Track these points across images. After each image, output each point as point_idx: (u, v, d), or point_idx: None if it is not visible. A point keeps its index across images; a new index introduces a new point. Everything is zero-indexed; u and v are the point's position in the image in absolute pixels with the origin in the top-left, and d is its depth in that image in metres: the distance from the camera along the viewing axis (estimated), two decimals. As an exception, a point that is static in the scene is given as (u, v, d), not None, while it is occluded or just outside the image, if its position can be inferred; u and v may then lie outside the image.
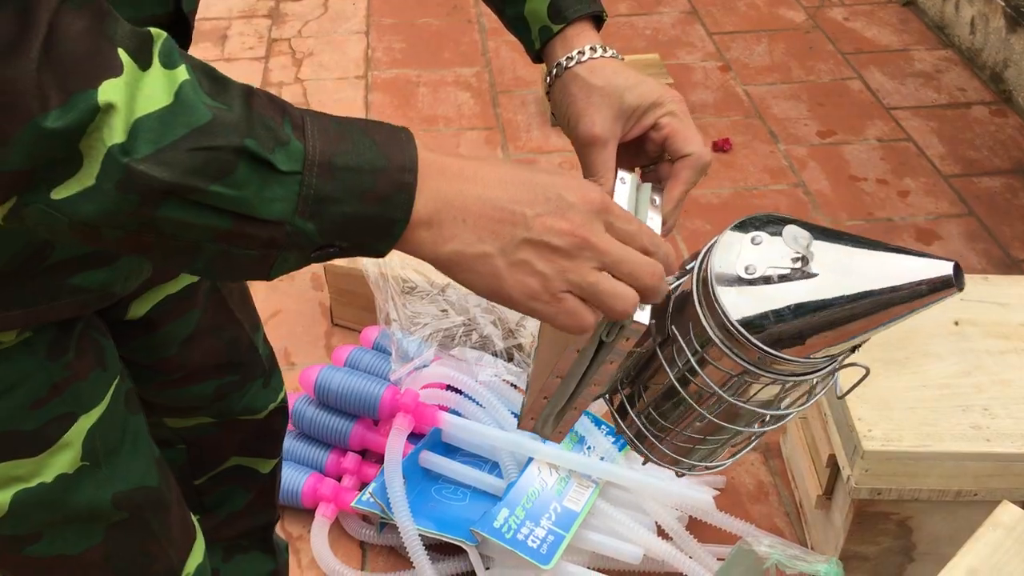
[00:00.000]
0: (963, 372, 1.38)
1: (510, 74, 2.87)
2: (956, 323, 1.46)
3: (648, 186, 0.74)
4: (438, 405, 1.61)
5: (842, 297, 0.65)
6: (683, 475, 0.85)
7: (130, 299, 0.89)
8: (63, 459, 0.76)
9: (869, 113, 2.69)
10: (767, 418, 0.74)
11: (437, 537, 1.47)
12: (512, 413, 1.60)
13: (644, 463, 0.82)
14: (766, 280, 0.66)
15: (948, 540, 1.24)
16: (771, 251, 0.67)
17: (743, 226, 0.69)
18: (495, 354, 1.71)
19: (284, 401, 1.09)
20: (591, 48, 0.76)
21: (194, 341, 0.95)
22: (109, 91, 0.49)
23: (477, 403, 1.61)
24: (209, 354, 0.97)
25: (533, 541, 1.43)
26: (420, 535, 1.44)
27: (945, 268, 0.63)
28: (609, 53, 0.76)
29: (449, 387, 1.64)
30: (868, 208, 2.35)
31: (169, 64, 0.52)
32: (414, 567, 1.44)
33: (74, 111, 0.49)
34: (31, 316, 0.73)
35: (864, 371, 0.73)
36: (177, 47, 0.54)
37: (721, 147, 2.56)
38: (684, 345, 0.70)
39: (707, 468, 0.82)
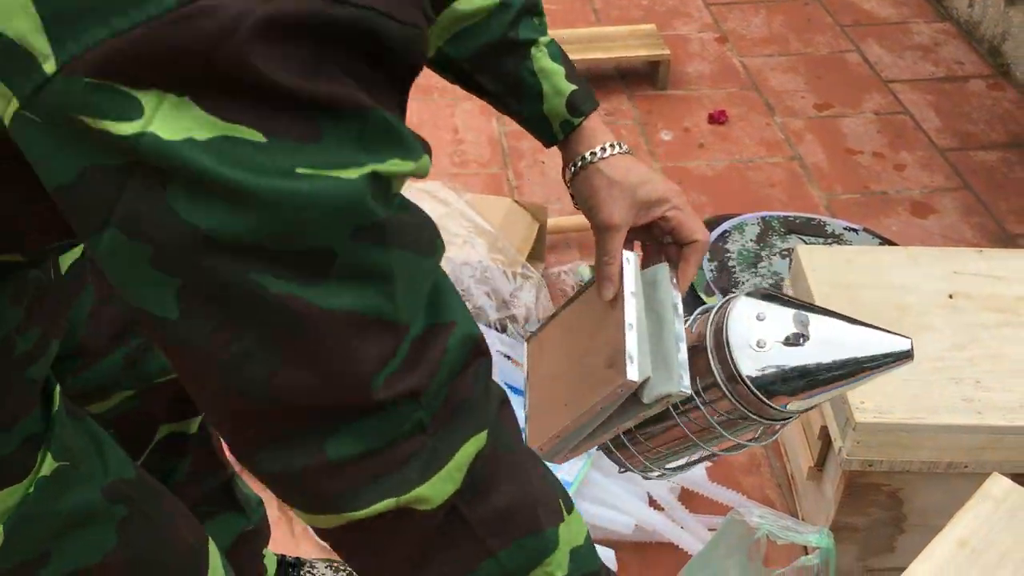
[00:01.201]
0: (957, 346, 1.38)
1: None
2: (951, 296, 1.46)
3: (666, 266, 0.92)
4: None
5: (833, 363, 0.85)
6: (649, 479, 1.04)
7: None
8: (40, 468, 0.75)
9: (866, 86, 2.68)
10: (734, 446, 0.96)
11: (430, 507, 1.47)
12: (507, 385, 1.60)
13: (621, 471, 0.99)
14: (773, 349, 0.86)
15: (938, 512, 1.24)
16: (775, 326, 0.86)
17: (749, 295, 0.89)
18: (488, 325, 1.71)
19: None
20: (610, 145, 0.91)
21: (94, 316, 0.95)
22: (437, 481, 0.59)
23: (470, 374, 1.60)
24: (111, 324, 0.97)
25: (525, 511, 1.44)
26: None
27: (905, 344, 0.87)
28: (624, 149, 0.92)
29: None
30: (864, 181, 2.34)
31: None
32: (407, 536, 1.44)
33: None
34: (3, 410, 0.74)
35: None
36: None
37: (717, 119, 2.55)
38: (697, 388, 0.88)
39: (671, 474, 1.00)
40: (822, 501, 1.44)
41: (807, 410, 0.92)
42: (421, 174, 0.55)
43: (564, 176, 0.95)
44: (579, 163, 0.91)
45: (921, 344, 1.37)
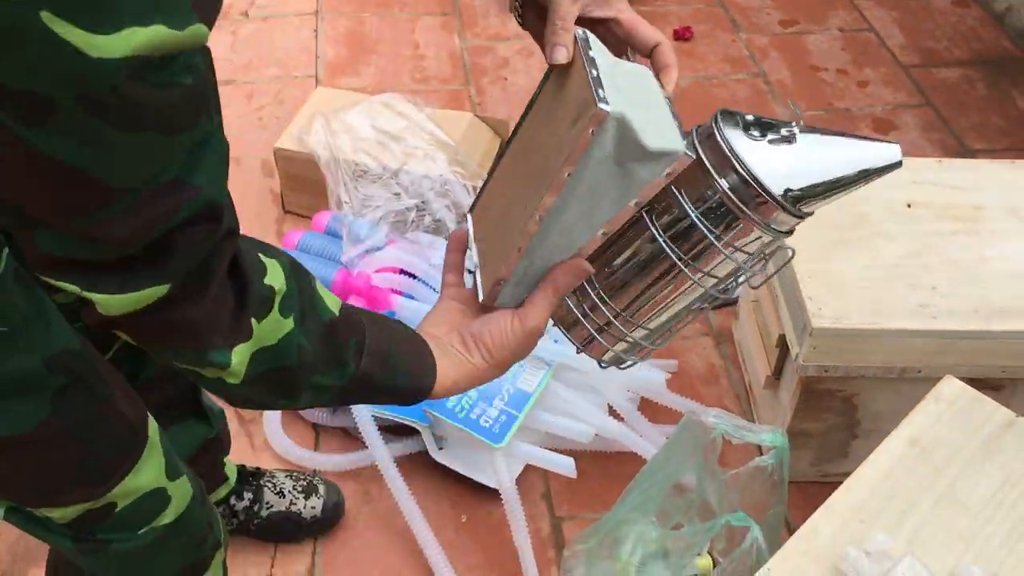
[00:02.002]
0: (913, 252, 1.38)
1: None
2: (908, 205, 1.46)
3: (646, 67, 0.82)
4: (390, 288, 1.59)
5: (832, 156, 0.78)
6: (624, 367, 0.90)
7: None
8: None
9: (832, 3, 2.65)
10: (730, 284, 0.83)
11: (390, 418, 1.47)
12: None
13: (579, 351, 0.88)
14: (771, 142, 0.76)
15: (892, 417, 1.26)
16: (763, 131, 0.77)
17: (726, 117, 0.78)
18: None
19: None
20: None
21: None
22: (239, 352, 0.69)
23: (430, 287, 1.59)
24: None
25: (486, 421, 1.44)
26: (373, 416, 1.45)
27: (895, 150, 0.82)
28: None
29: (402, 271, 1.63)
30: (827, 98, 2.33)
31: (284, 313, 0.71)
32: (367, 448, 1.45)
33: (217, 357, 0.68)
34: None
35: (790, 253, 0.85)
36: (292, 292, 0.72)
37: (682, 35, 2.51)
38: (684, 201, 0.76)
39: (651, 346, 0.88)
40: (778, 408, 1.46)
41: (807, 215, 0.79)
42: (194, 44, 0.55)
43: None
44: None
45: (878, 251, 1.39)
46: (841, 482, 1.02)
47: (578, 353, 0.88)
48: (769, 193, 0.74)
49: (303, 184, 1.88)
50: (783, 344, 1.40)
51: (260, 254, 0.72)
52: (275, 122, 2.17)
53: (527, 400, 1.48)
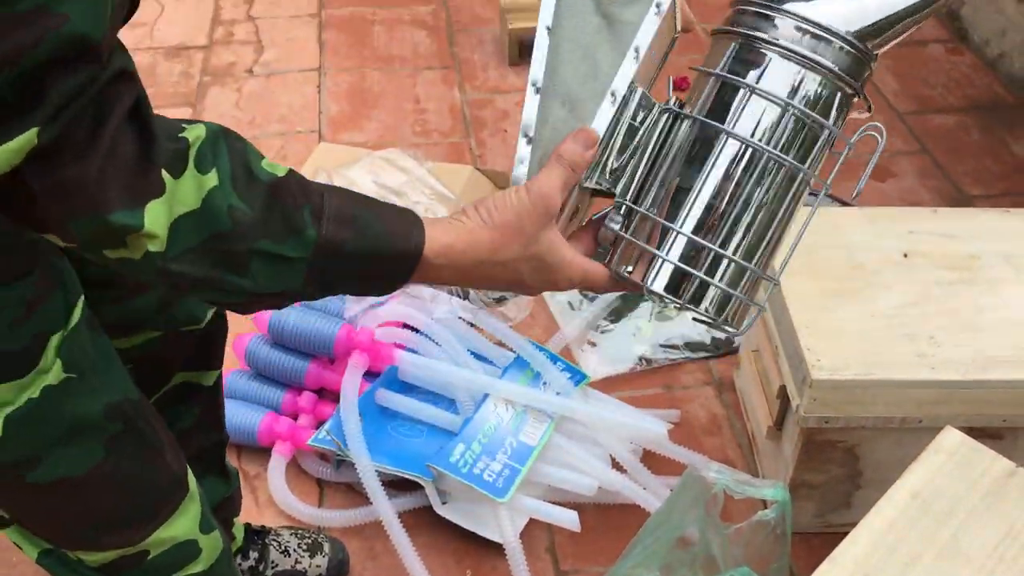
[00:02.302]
0: (910, 302, 1.40)
1: (467, 12, 2.83)
2: (905, 255, 1.48)
3: None
4: (394, 343, 1.61)
5: None
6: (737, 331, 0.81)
7: None
8: (48, 374, 0.77)
9: (826, 51, 2.69)
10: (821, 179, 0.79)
11: (394, 473, 1.48)
12: (471, 352, 1.61)
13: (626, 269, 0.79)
14: None
15: (894, 467, 1.26)
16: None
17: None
18: (450, 292, 1.71)
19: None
20: None
21: None
22: (152, 211, 0.61)
23: (433, 341, 1.61)
24: None
25: (489, 475, 1.45)
26: (377, 471, 1.45)
27: None
28: None
29: (405, 325, 1.64)
30: (824, 146, 2.35)
31: (202, 169, 0.63)
32: (371, 503, 1.45)
33: (126, 219, 0.61)
34: None
35: (759, 309, 0.82)
36: (213, 147, 0.64)
37: (679, 86, 2.54)
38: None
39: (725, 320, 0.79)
40: (781, 459, 1.46)
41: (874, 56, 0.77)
42: None
43: None
44: None
45: (876, 301, 1.40)
46: (845, 532, 1.02)
47: (715, 326, 0.80)
48: (834, 32, 0.72)
49: (306, 239, 1.91)
50: (784, 395, 1.41)
51: (183, 123, 0.66)
52: (279, 177, 2.19)
53: (530, 453, 1.48)
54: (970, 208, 1.91)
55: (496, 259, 0.72)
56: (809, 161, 0.77)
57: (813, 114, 0.75)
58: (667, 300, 0.77)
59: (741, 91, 0.74)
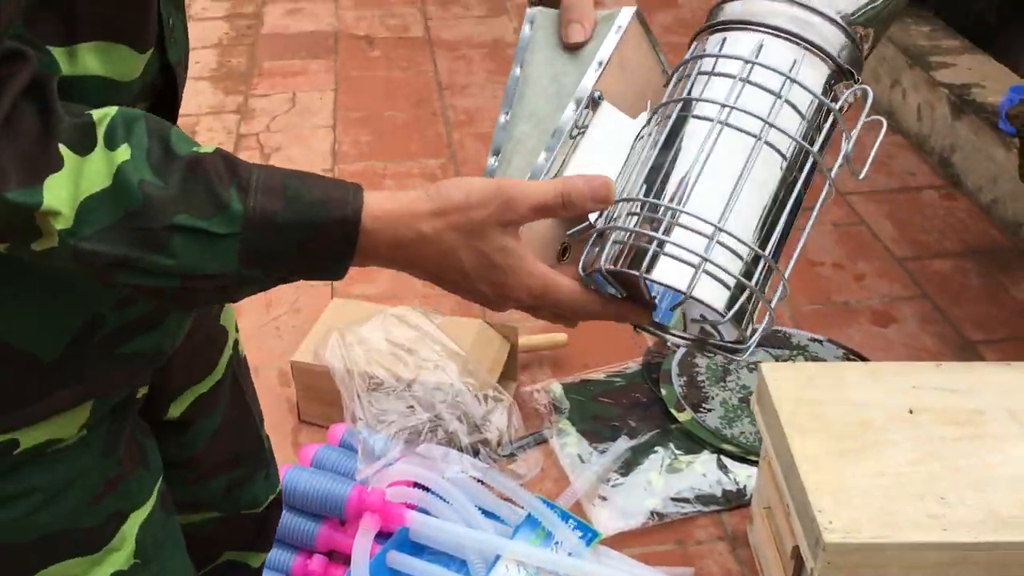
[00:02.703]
0: (919, 460, 1.41)
1: (474, 165, 2.93)
2: (911, 411, 1.49)
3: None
4: (405, 503, 1.61)
5: None
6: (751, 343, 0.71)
7: (169, 400, 0.93)
8: (119, 557, 0.78)
9: (824, 198, 2.77)
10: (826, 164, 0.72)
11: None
12: (482, 510, 1.61)
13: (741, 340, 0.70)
14: None
15: (912, 629, 1.25)
16: None
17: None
18: (461, 450, 1.72)
19: (280, 492, 1.13)
20: None
21: (219, 435, 0.99)
22: (52, 187, 0.58)
23: (444, 500, 1.61)
24: (228, 447, 1.01)
25: (502, 641, 1.43)
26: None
27: None
28: None
29: (416, 484, 1.65)
30: (826, 292, 2.40)
31: (112, 145, 0.60)
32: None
33: (24, 198, 0.58)
34: (90, 389, 0.76)
35: (770, 312, 0.72)
36: (125, 124, 0.61)
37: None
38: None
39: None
40: (798, 621, 1.44)
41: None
42: None
43: None
44: None
45: (884, 459, 1.41)
46: None
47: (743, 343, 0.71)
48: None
49: (319, 394, 1.93)
50: (797, 555, 1.40)
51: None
52: (291, 331, 2.24)
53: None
54: (973, 362, 1.94)
55: (434, 238, 0.65)
56: (802, 134, 0.72)
57: (798, 81, 0.71)
58: (670, 290, 0.68)
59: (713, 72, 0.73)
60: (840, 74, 0.73)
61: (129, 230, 0.60)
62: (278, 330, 2.27)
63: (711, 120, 0.70)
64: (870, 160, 0.75)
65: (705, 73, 0.72)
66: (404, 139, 3.07)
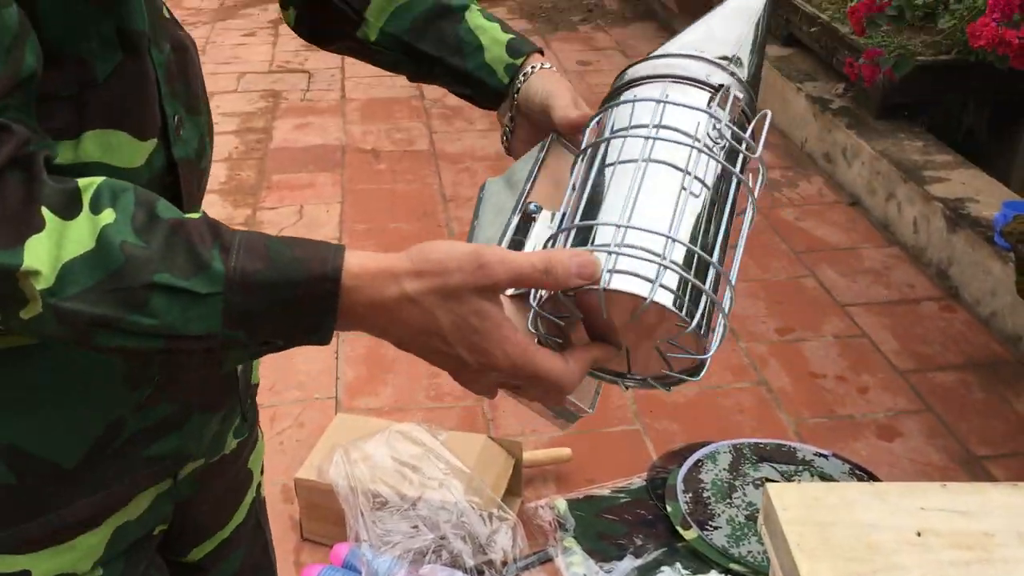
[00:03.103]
0: (929, 586, 1.39)
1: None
2: (918, 534, 1.48)
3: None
4: (409, 628, 1.58)
5: None
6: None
7: (193, 544, 0.93)
8: None
9: (824, 310, 2.80)
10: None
11: None
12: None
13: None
14: None
15: None
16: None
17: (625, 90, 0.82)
18: (466, 571, 1.70)
19: None
20: (544, 64, 0.92)
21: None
22: (32, 247, 0.60)
23: (448, 625, 1.58)
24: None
25: None
26: None
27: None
28: (551, 67, 0.92)
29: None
30: (830, 406, 2.40)
31: (97, 210, 0.62)
32: None
33: (3, 259, 0.59)
34: (111, 499, 0.77)
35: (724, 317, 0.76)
36: (112, 192, 0.63)
37: (684, 346, 2.64)
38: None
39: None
40: None
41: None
42: None
43: (508, 107, 0.92)
44: (522, 76, 0.90)
45: (894, 587, 1.38)
46: None
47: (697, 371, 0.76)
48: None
49: (323, 513, 1.92)
50: None
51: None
52: (295, 446, 2.24)
53: None
54: (980, 483, 1.93)
55: (414, 297, 0.65)
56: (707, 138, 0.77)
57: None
58: (632, 297, 0.68)
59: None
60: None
61: (110, 290, 0.61)
62: (282, 445, 2.27)
63: (635, 160, 0.75)
64: (762, 140, 0.80)
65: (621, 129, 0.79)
66: (409, 251, 3.11)
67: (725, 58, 0.82)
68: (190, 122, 0.78)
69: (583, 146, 0.80)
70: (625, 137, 0.76)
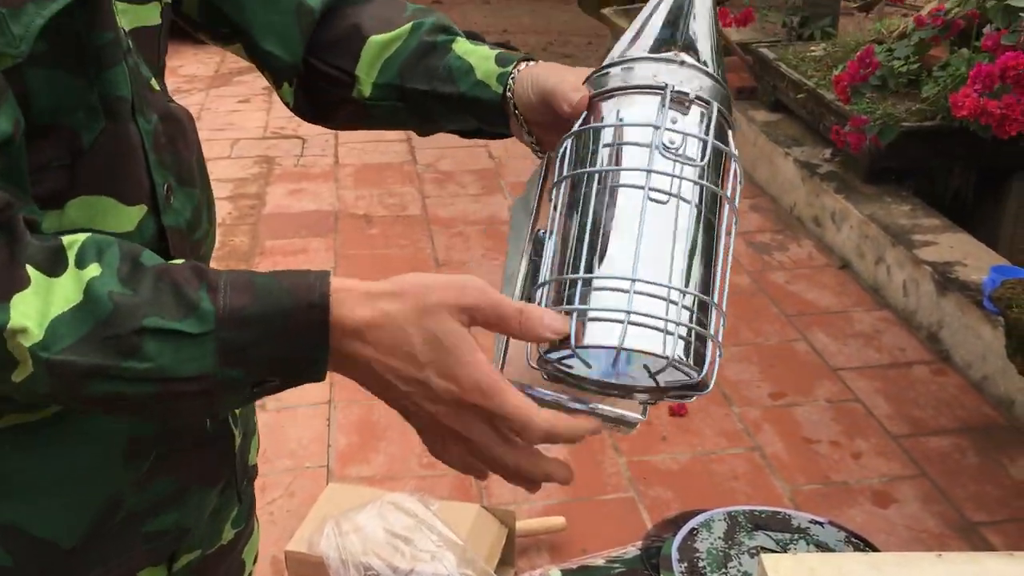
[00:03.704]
0: (928, 660, 1.37)
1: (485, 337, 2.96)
2: (916, 606, 1.47)
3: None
4: None
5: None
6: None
7: None
8: None
9: (817, 374, 2.80)
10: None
11: None
12: None
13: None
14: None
15: None
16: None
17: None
18: (459, 646, 1.67)
19: None
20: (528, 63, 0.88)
21: None
22: (18, 304, 0.60)
23: None
24: None
25: None
26: None
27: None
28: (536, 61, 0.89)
29: None
30: (824, 471, 2.39)
31: (82, 265, 0.63)
32: None
33: None
34: (113, 573, 0.77)
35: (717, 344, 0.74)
36: (97, 246, 0.64)
37: (677, 412, 2.63)
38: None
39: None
40: None
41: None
42: None
43: (517, 122, 0.89)
44: (521, 68, 0.88)
45: (893, 662, 1.37)
46: None
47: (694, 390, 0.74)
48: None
49: (312, 585, 1.89)
50: None
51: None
52: (285, 516, 2.21)
53: None
54: (975, 552, 1.91)
55: (391, 313, 0.65)
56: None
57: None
58: (603, 349, 0.68)
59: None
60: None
61: (101, 339, 0.61)
62: (272, 515, 2.24)
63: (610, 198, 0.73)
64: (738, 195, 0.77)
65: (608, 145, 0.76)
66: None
67: (671, 46, 0.77)
68: (182, 192, 0.78)
69: (553, 182, 0.78)
70: (584, 174, 0.74)
